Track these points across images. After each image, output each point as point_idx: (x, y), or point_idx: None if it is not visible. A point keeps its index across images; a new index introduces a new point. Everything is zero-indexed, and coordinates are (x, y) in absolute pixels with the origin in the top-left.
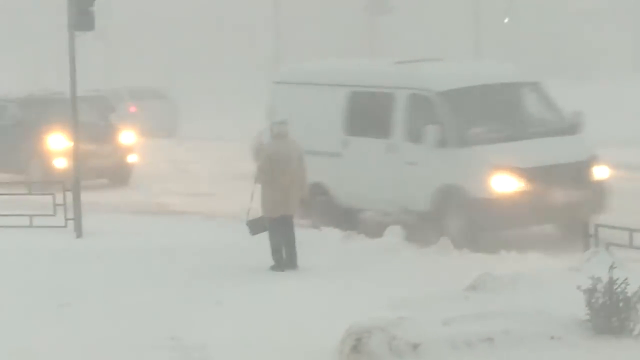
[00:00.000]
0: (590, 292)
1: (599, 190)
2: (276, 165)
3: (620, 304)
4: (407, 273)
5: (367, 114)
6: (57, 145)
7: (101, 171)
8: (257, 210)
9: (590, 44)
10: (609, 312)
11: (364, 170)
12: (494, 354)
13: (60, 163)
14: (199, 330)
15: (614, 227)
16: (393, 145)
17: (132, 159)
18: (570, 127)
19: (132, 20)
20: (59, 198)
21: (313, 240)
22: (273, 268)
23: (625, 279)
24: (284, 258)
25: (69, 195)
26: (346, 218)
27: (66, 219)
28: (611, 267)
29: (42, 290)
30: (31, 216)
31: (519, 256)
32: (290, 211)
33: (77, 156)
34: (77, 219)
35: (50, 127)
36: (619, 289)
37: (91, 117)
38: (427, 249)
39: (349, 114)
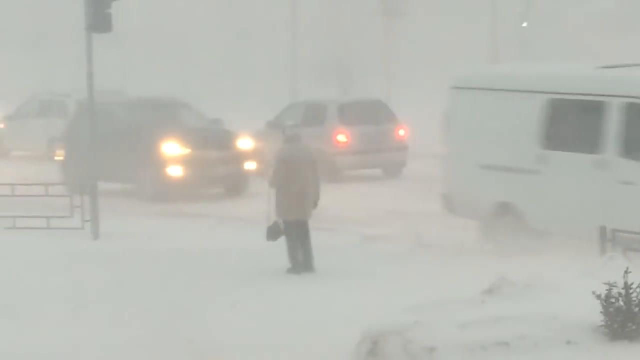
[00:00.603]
0: (606, 297)
1: None
2: (290, 169)
3: (636, 309)
4: (422, 277)
5: (569, 124)
6: (172, 152)
7: (221, 179)
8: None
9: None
10: (624, 317)
11: (565, 189)
12: (510, 359)
13: (176, 171)
14: (215, 333)
15: (632, 232)
16: (603, 161)
17: (249, 166)
18: None
19: (149, 25)
20: (77, 200)
21: (329, 244)
22: (290, 271)
23: None
24: (301, 261)
25: (87, 197)
26: (538, 242)
27: (83, 221)
28: (626, 272)
29: (59, 293)
30: (48, 218)
31: (534, 260)
32: (305, 215)
33: (94, 155)
34: (94, 221)
35: (162, 133)
36: (634, 294)
37: (202, 122)
38: (442, 253)
39: (546, 124)
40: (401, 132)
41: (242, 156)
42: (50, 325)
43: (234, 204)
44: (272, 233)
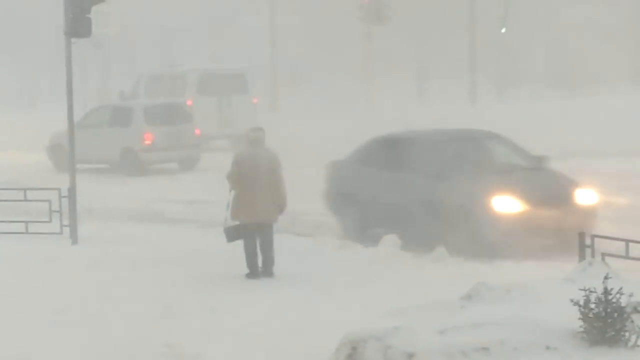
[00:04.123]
0: (585, 302)
1: None
2: (243, 173)
3: (615, 315)
4: (402, 282)
5: None
6: (507, 209)
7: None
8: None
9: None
10: (603, 323)
11: None
12: None
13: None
14: (194, 338)
15: (610, 238)
16: None
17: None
18: None
19: (129, 29)
20: (55, 204)
21: (308, 249)
22: (248, 275)
23: (620, 289)
24: (260, 266)
25: (65, 202)
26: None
27: (62, 226)
28: (605, 278)
29: (38, 297)
30: (27, 222)
31: (514, 266)
32: (261, 219)
33: (72, 164)
34: (73, 226)
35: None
36: (613, 300)
37: (524, 162)
38: (422, 258)
39: None
40: (196, 131)
41: (583, 215)
42: (30, 330)
43: (213, 208)
44: (233, 234)
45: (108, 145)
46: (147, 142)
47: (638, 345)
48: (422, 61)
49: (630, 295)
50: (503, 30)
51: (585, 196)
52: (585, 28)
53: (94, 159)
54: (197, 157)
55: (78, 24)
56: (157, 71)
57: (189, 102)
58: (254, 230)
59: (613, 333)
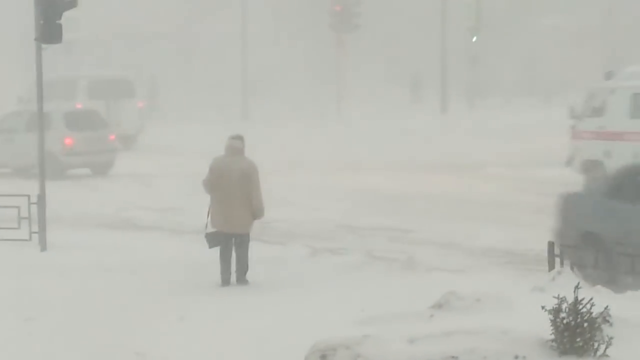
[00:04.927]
0: (555, 312)
1: None
2: (214, 180)
3: (585, 324)
4: (372, 290)
5: None
6: None
7: None
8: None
9: (558, 62)
10: (573, 332)
11: None
12: None
13: None
14: (163, 346)
15: (580, 248)
16: None
17: None
18: None
19: (99, 34)
20: (24, 211)
21: (279, 257)
22: (221, 283)
23: (591, 299)
24: (232, 273)
25: (34, 208)
26: None
27: (31, 232)
28: (576, 287)
29: (7, 304)
30: None
31: (483, 275)
32: (231, 228)
33: (42, 165)
34: (42, 233)
35: None
36: (584, 309)
37: None
38: (392, 266)
39: None
40: (112, 137)
41: None
42: None
43: (184, 215)
44: (214, 240)
45: (27, 149)
46: (68, 146)
47: (607, 356)
48: (392, 70)
49: (606, 307)
50: (474, 39)
51: None
52: (556, 36)
53: (11, 163)
54: (111, 162)
55: (49, 30)
56: (50, 77)
57: (79, 106)
58: (228, 238)
59: (582, 343)
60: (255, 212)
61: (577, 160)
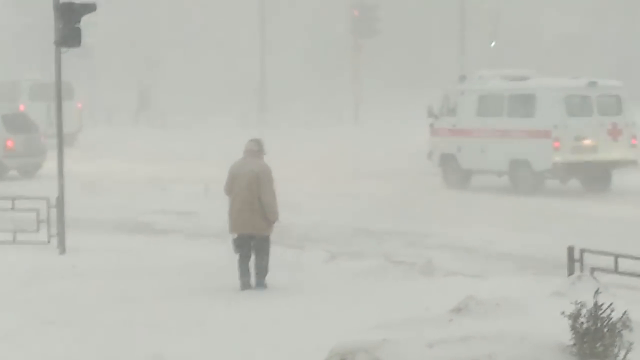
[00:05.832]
0: (575, 317)
1: None
2: (231, 183)
3: (605, 330)
4: (391, 295)
5: None
6: None
7: None
8: None
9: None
10: (593, 338)
11: None
12: None
13: None
14: (182, 350)
15: (599, 252)
16: None
17: None
18: None
19: (116, 38)
20: (43, 214)
21: (297, 261)
22: (241, 287)
23: (611, 304)
24: (251, 277)
25: (53, 212)
26: None
27: (49, 236)
28: (596, 292)
29: (26, 308)
30: (14, 232)
31: (503, 280)
32: (245, 229)
33: (61, 170)
34: (61, 236)
35: None
36: (604, 315)
37: None
38: (411, 271)
39: None
40: (42, 140)
41: None
42: (18, 340)
43: (201, 219)
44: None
45: None
46: (9, 148)
47: None
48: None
49: (625, 312)
50: (493, 44)
51: None
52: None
53: None
54: (41, 164)
55: (68, 34)
56: None
57: (22, 107)
58: (246, 241)
59: (602, 348)
60: (267, 214)
61: (435, 154)
